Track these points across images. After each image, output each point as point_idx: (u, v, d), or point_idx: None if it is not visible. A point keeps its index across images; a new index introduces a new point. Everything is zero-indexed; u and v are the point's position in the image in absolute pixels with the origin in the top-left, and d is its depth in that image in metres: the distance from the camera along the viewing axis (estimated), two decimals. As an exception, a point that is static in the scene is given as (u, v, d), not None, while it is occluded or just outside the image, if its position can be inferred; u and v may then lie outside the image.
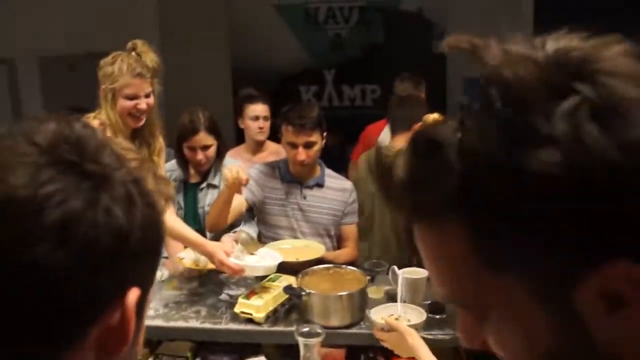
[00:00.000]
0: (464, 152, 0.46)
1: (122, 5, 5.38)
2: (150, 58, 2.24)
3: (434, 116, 2.14)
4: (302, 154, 2.41)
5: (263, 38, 5.61)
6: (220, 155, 2.65)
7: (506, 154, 0.43)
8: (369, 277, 2.06)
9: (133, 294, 0.51)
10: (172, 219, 2.11)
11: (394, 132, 2.70)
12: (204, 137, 2.54)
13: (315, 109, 2.48)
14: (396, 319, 1.87)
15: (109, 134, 2.14)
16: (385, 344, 1.79)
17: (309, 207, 2.53)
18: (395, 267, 2.08)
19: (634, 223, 0.42)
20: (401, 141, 2.55)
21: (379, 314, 1.91)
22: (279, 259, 2.13)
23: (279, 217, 2.54)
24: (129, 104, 2.17)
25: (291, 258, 2.27)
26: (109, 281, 0.50)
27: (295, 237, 2.51)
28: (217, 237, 2.44)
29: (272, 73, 5.55)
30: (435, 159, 0.48)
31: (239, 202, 2.45)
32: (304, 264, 2.20)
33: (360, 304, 1.98)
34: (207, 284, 2.29)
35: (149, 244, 0.54)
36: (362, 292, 2.01)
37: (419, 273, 2.10)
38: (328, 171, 2.63)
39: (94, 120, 2.20)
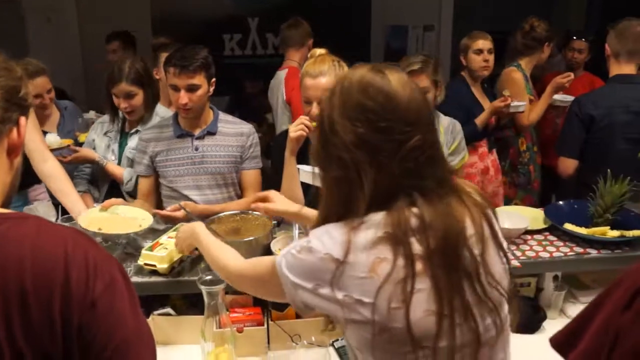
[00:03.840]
0: None
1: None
2: None
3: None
4: (184, 97, 2.29)
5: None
6: (148, 104, 2.71)
7: None
8: (275, 222, 2.03)
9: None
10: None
11: None
12: (125, 87, 2.62)
13: (201, 52, 2.32)
14: None
15: None
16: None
17: (202, 158, 2.42)
18: None
19: None
20: None
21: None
22: None
23: (176, 177, 2.44)
24: None
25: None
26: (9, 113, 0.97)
27: (197, 193, 2.44)
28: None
29: (193, 20, 5.32)
30: None
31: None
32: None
33: (266, 249, 1.94)
34: (111, 238, 2.19)
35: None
36: (268, 237, 1.97)
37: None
38: (224, 116, 2.51)
39: None
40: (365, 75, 1.11)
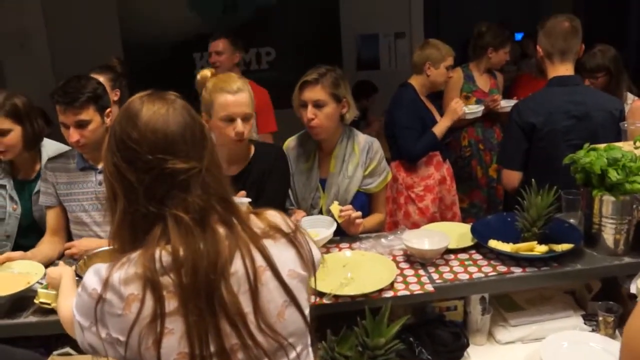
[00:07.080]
0: None
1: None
2: None
3: None
4: (74, 135, 2.17)
5: (152, 5, 5.37)
6: (28, 143, 2.42)
7: None
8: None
9: None
10: None
11: None
12: None
13: (89, 84, 2.20)
14: None
15: None
16: None
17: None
18: None
19: None
20: None
21: None
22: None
23: (82, 212, 2.32)
24: None
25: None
26: None
27: (107, 229, 2.23)
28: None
29: (163, 41, 5.31)
30: None
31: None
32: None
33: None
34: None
35: None
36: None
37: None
38: None
39: None
40: (129, 104, 1.10)
